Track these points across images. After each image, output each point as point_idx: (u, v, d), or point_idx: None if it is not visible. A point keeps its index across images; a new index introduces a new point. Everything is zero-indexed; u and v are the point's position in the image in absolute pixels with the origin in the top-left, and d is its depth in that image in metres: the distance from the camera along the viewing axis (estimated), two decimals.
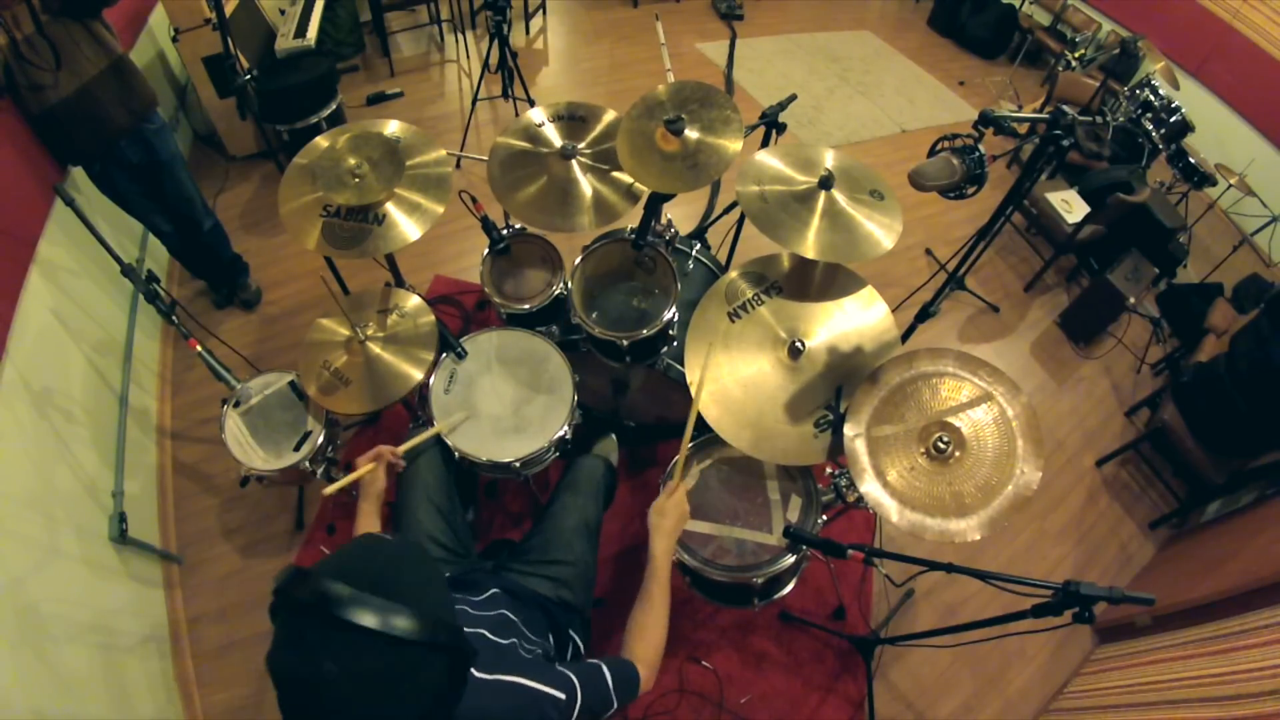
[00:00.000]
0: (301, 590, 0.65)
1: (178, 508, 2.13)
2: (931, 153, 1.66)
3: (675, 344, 1.77)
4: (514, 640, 1.09)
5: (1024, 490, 1.27)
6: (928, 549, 2.09)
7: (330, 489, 1.36)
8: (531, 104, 3.25)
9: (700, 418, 1.49)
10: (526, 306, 1.83)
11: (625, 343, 1.64)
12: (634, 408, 2.15)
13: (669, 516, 1.29)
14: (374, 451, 1.36)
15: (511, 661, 0.94)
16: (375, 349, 1.63)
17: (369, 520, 1.32)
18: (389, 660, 0.64)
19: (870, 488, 1.34)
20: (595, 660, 1.03)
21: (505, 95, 3.35)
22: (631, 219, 1.72)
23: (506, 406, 1.65)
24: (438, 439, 1.56)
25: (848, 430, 1.40)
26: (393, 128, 1.79)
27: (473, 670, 0.86)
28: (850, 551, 1.36)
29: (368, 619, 0.63)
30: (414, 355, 1.63)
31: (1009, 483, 1.29)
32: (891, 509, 1.31)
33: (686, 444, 1.37)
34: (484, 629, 1.06)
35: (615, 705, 1.00)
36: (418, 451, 1.55)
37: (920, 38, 5.32)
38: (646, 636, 1.14)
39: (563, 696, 0.91)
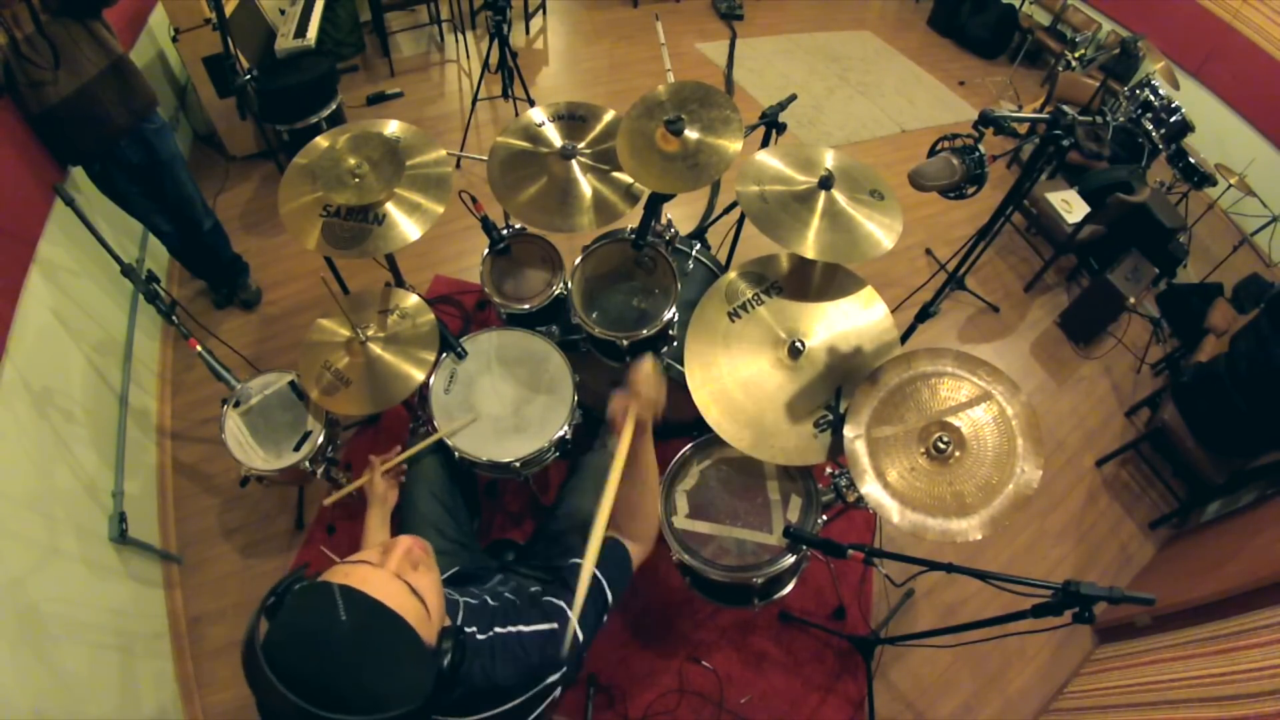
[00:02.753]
0: (262, 687, 0.63)
1: (178, 508, 2.13)
2: (931, 153, 1.66)
3: (675, 344, 1.77)
4: (510, 600, 1.09)
5: (1025, 489, 1.27)
6: (928, 549, 2.09)
7: (331, 499, 1.46)
8: (531, 104, 3.25)
9: (700, 419, 1.49)
10: (526, 306, 1.83)
11: (625, 343, 1.64)
12: None
13: (648, 392, 1.15)
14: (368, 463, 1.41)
15: (504, 614, 0.95)
16: (376, 349, 1.63)
17: (375, 530, 1.33)
18: None
19: (871, 489, 1.34)
20: (575, 560, 1.00)
21: (505, 95, 3.35)
22: (631, 219, 1.72)
23: (506, 406, 1.65)
24: (439, 440, 1.56)
25: (848, 432, 1.40)
26: (393, 128, 1.79)
27: (474, 633, 0.88)
28: (850, 551, 1.36)
29: None
30: (414, 356, 1.63)
31: (1010, 481, 1.29)
32: (893, 510, 1.31)
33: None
34: (485, 596, 1.07)
35: (611, 593, 1.00)
36: (420, 453, 1.55)
37: (920, 38, 5.32)
38: (638, 513, 1.11)
39: (554, 626, 0.92)
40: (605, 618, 1.01)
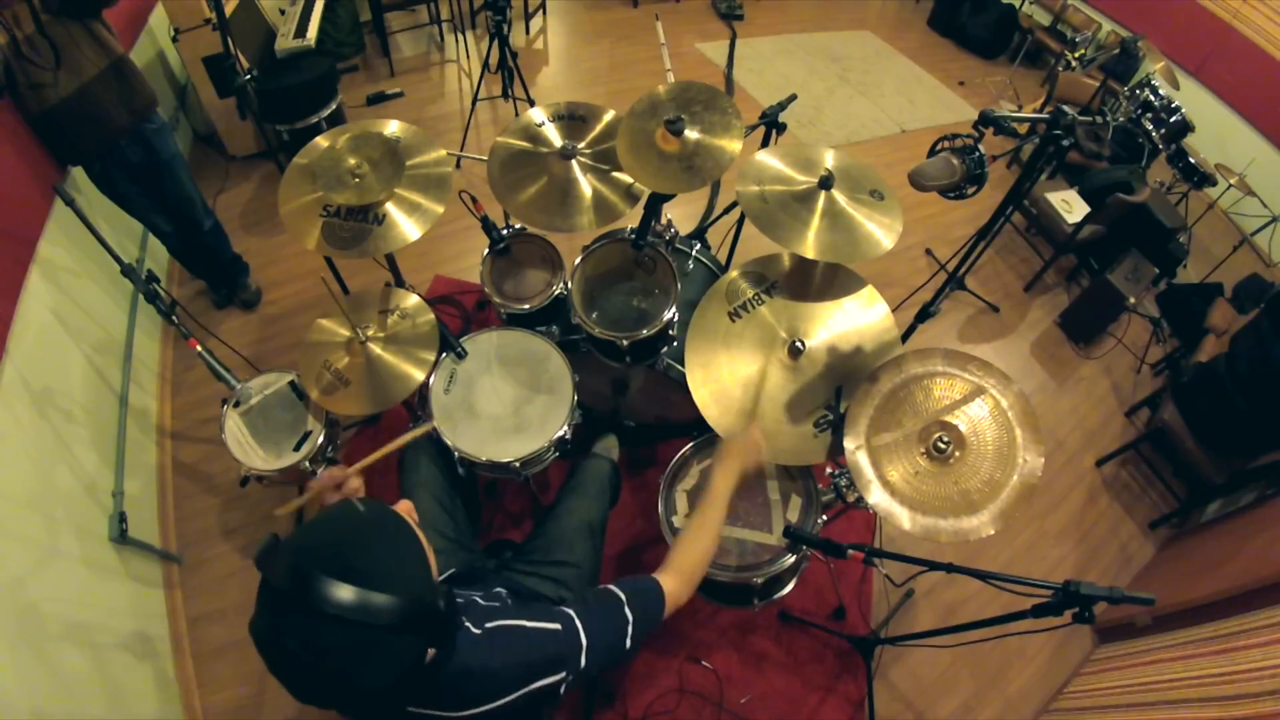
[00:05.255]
0: (272, 569, 0.67)
1: (178, 508, 2.13)
2: (931, 153, 1.66)
3: (675, 344, 1.77)
4: (504, 602, 1.09)
5: (1029, 478, 1.27)
6: (929, 549, 2.09)
7: (282, 510, 1.24)
8: (531, 104, 3.25)
9: (700, 419, 1.49)
10: (526, 306, 1.83)
11: (625, 343, 1.64)
12: (634, 408, 2.15)
13: (734, 443, 1.31)
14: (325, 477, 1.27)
15: (502, 612, 0.94)
16: (376, 350, 1.63)
17: None
18: (349, 639, 0.66)
19: (879, 498, 1.33)
20: (606, 585, 1.01)
21: (505, 95, 3.35)
22: (631, 219, 1.72)
23: (506, 406, 1.65)
24: (437, 441, 1.56)
25: (848, 444, 1.39)
26: (393, 128, 1.79)
27: (468, 626, 0.87)
28: (850, 551, 1.36)
29: (330, 605, 0.64)
30: (414, 356, 1.63)
31: (1014, 473, 1.29)
32: (903, 516, 1.30)
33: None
34: (476, 596, 1.07)
35: (633, 626, 0.96)
36: (419, 451, 1.55)
37: (920, 38, 5.32)
38: (690, 547, 1.13)
39: (558, 628, 0.91)
40: (628, 643, 0.97)
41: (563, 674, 0.89)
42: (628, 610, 0.97)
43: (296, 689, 0.68)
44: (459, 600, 0.97)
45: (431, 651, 0.79)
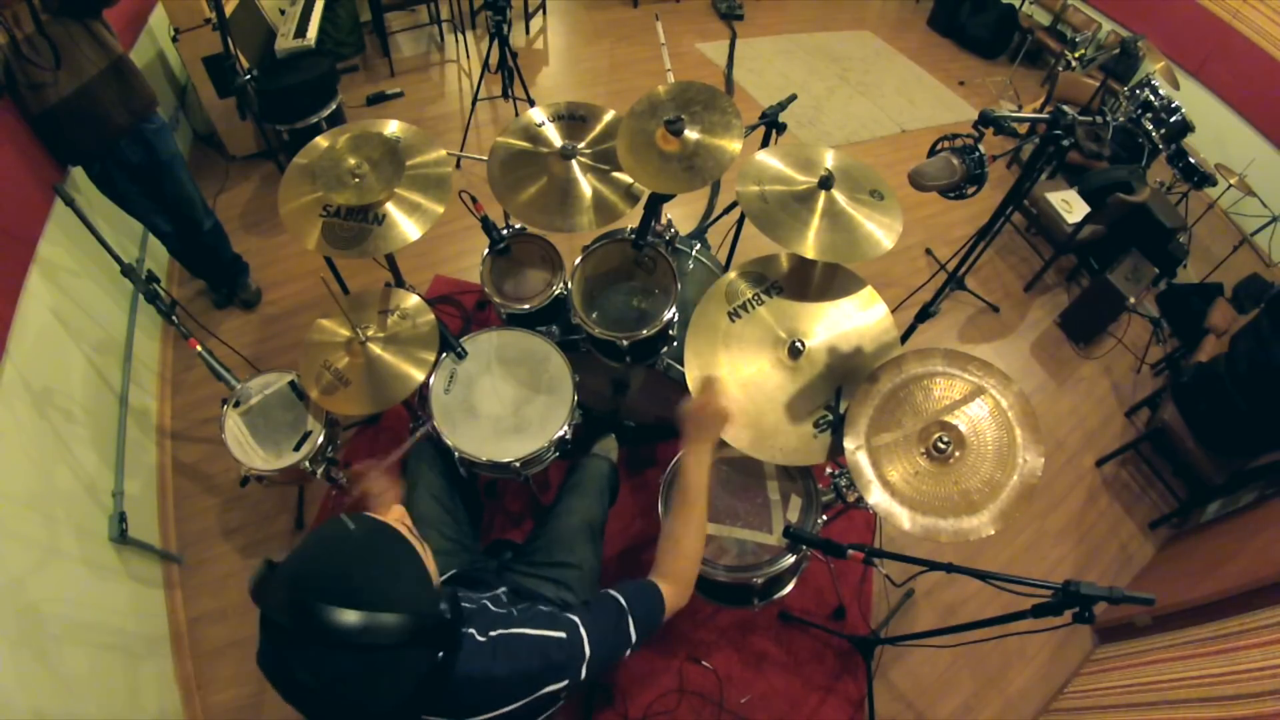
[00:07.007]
0: (271, 603, 0.66)
1: (178, 508, 2.13)
2: (931, 153, 1.67)
3: (675, 344, 1.77)
4: (510, 609, 1.09)
5: (1029, 478, 1.27)
6: (929, 549, 2.09)
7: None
8: (531, 104, 3.25)
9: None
10: (526, 306, 1.83)
11: (625, 343, 1.64)
12: (634, 408, 2.15)
13: (693, 421, 1.23)
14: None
15: (508, 620, 0.94)
16: (376, 349, 1.63)
17: None
18: (360, 664, 0.65)
19: (879, 498, 1.33)
20: (606, 590, 1.01)
21: (505, 95, 3.35)
22: (631, 219, 1.72)
23: (506, 407, 1.65)
24: (437, 441, 1.56)
25: (847, 444, 1.38)
26: (393, 128, 1.79)
27: (473, 633, 0.87)
28: (850, 551, 1.36)
29: (335, 633, 0.63)
30: (414, 356, 1.63)
31: (1014, 473, 1.29)
32: (903, 516, 1.30)
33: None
34: (485, 601, 1.06)
35: (635, 633, 0.97)
36: (419, 452, 1.55)
37: (920, 38, 5.32)
38: (676, 549, 1.09)
39: (563, 635, 0.91)
40: (628, 653, 0.97)
41: (565, 682, 0.89)
42: (631, 620, 0.97)
43: (315, 716, 0.68)
44: (467, 606, 0.97)
45: (440, 655, 0.79)
